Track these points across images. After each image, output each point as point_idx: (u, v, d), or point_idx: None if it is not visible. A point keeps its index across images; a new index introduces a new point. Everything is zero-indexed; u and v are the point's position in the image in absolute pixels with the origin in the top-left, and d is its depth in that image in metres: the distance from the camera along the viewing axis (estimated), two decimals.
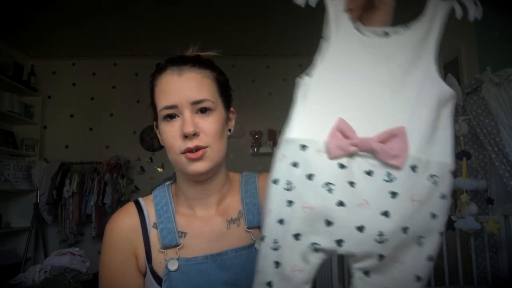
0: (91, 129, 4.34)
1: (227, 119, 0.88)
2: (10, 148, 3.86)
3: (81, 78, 4.40)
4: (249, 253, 0.84)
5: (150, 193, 0.93)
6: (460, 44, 2.92)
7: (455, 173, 2.44)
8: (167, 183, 0.95)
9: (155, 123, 0.88)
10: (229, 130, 0.90)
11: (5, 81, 3.66)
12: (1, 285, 2.87)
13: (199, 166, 0.80)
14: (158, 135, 0.89)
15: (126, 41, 3.99)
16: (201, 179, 0.85)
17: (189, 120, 0.79)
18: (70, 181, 3.85)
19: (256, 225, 0.86)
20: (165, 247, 0.83)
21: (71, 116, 4.35)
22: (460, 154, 2.27)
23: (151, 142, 4.29)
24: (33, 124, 4.13)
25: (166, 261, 0.81)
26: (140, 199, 0.91)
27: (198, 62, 0.84)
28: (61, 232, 3.93)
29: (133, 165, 4.22)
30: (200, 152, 0.79)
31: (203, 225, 0.87)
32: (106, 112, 4.35)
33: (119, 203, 3.89)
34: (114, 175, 3.88)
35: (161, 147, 4.33)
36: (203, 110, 0.81)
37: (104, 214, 3.94)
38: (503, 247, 2.23)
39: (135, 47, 4.17)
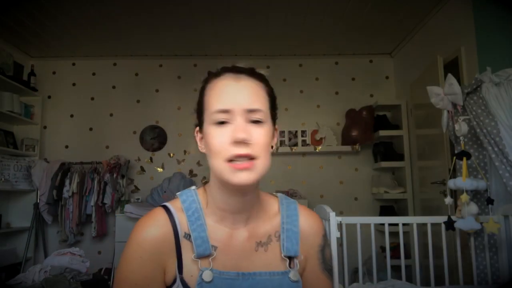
0: (91, 129, 4.34)
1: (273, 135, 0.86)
2: (10, 148, 3.86)
3: (81, 78, 4.40)
4: (282, 279, 0.82)
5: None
6: (460, 44, 2.92)
7: (455, 173, 2.44)
8: (193, 187, 0.91)
9: (197, 128, 0.86)
10: (271, 147, 0.85)
11: (5, 81, 3.66)
12: (1, 285, 2.87)
13: (246, 177, 0.76)
14: (198, 140, 0.86)
15: (126, 41, 3.99)
16: (242, 191, 0.81)
17: (243, 126, 0.77)
18: (70, 181, 3.84)
19: (293, 254, 0.85)
20: (199, 256, 0.80)
21: (71, 116, 4.35)
22: (460, 154, 2.27)
23: (151, 142, 4.29)
24: (33, 124, 4.13)
25: (200, 271, 0.79)
26: (169, 206, 0.85)
27: (254, 74, 0.85)
28: (61, 232, 3.92)
29: (133, 165, 4.22)
30: (249, 163, 0.76)
31: (233, 241, 0.84)
32: (106, 112, 4.35)
33: (119, 203, 3.89)
34: (114, 175, 3.87)
35: (161, 147, 4.37)
36: (256, 121, 0.79)
37: (104, 214, 3.94)
38: (503, 247, 2.22)
39: (135, 47, 4.17)
